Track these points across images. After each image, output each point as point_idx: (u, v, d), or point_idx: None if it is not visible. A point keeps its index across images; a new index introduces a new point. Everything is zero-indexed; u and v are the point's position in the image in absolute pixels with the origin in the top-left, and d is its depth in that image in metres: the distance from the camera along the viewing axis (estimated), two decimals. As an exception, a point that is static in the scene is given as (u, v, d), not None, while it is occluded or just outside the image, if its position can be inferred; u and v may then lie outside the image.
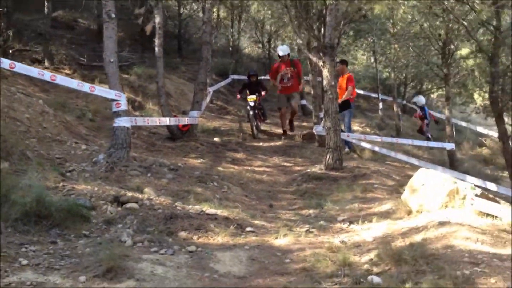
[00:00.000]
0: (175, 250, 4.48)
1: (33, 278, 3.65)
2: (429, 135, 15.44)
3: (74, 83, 6.72)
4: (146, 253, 4.30)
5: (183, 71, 16.75)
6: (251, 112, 11.89)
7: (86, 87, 6.68)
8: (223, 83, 16.28)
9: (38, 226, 4.59)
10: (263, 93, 12.47)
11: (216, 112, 14.56)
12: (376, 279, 3.79)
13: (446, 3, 10.54)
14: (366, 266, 4.18)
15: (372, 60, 20.89)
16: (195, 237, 4.92)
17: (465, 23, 10.21)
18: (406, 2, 12.13)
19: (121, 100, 6.73)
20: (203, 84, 10.20)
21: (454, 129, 13.46)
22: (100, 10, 15.88)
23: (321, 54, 8.22)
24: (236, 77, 17.16)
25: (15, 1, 13.81)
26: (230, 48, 18.43)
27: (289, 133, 12.38)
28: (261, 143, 11.21)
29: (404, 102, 18.96)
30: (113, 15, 6.59)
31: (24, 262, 3.89)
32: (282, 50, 12.31)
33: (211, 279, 4.01)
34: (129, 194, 5.52)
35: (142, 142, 8.90)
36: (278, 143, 11.55)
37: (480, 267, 3.69)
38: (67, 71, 12.43)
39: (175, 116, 9.49)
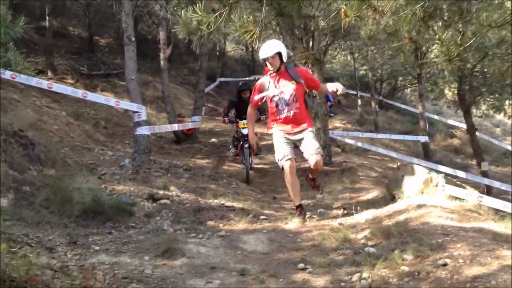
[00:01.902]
0: (209, 235, 5.56)
1: (108, 259, 4.68)
2: (331, 114, 17.26)
3: (102, 99, 7.74)
4: (188, 238, 5.38)
5: (173, 75, 17.72)
6: (245, 146, 8.77)
7: (112, 101, 7.71)
8: (212, 86, 17.36)
9: (95, 221, 5.62)
10: (262, 117, 8.84)
11: (208, 114, 15.60)
12: (372, 250, 4.93)
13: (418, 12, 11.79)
14: (362, 241, 5.34)
15: (349, 58, 22.18)
16: (221, 225, 6.01)
17: (435, 29, 11.49)
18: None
19: (142, 111, 7.76)
20: (203, 91, 11.25)
21: (427, 123, 14.80)
22: (90, 18, 16.86)
23: (309, 65, 9.33)
24: (223, 79, 18.26)
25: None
26: (217, 53, 19.46)
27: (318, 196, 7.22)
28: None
29: (381, 98, 20.25)
30: (133, 39, 7.61)
31: (97, 248, 4.93)
32: (267, 49, 6.13)
33: (243, 255, 5.11)
34: (160, 192, 6.58)
35: (152, 146, 9.91)
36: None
37: (450, 237, 4.85)
38: (70, 81, 13.35)
39: (180, 122, 10.51)
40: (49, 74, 13.42)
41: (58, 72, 13.73)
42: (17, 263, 3.58)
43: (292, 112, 6.18)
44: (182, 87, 17.26)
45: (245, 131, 8.65)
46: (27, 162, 6.30)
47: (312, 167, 6.26)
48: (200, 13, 4.56)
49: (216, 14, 4.55)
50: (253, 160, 9.56)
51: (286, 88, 6.22)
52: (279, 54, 6.15)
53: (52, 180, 6.19)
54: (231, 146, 9.70)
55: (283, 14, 5.07)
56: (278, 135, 6.26)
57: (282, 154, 6.14)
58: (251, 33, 4.45)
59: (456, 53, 3.80)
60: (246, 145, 8.73)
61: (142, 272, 4.37)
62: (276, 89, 6.26)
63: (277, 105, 6.27)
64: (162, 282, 4.22)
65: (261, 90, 6.36)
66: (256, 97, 6.39)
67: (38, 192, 5.80)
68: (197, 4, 4.59)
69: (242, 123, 8.99)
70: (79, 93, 7.37)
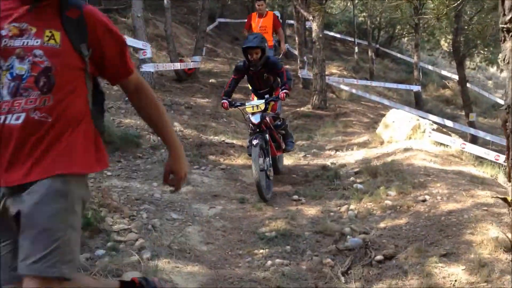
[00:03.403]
0: (211, 168, 6.03)
1: (120, 184, 5.15)
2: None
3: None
4: (192, 169, 5.84)
5: (173, 13, 17.70)
6: (253, 142, 5.29)
7: (119, 38, 7.95)
8: (211, 26, 17.41)
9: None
10: (282, 92, 5.46)
11: (207, 54, 15.77)
12: (360, 186, 5.43)
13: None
14: (351, 179, 5.82)
15: (349, 4, 22.12)
16: (221, 159, 6.47)
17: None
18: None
19: (147, 49, 8.04)
20: (204, 32, 11.44)
21: (421, 73, 15.12)
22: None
23: (311, 10, 9.57)
24: (222, 20, 18.32)
25: None
26: (217, -8, 19.36)
27: None
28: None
29: (378, 46, 20.39)
30: (141, -23, 7.79)
31: (109, 173, 5.37)
32: None
33: (242, 186, 5.60)
34: (165, 126, 6.98)
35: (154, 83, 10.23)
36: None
37: (431, 177, 5.34)
38: (72, 15, 13.44)
39: (181, 61, 10.77)
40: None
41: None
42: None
43: (22, 118, 1.81)
44: (182, 26, 17.28)
45: (255, 119, 5.49)
46: (40, 93, 6.63)
47: None
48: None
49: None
50: (282, 159, 6.43)
51: (24, 47, 1.83)
52: None
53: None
54: (248, 140, 5.71)
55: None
56: None
57: None
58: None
59: (444, 12, 4.28)
60: (256, 142, 5.29)
61: (152, 196, 4.85)
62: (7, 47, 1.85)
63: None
64: (171, 205, 4.71)
65: None
66: None
67: (51, 121, 6.17)
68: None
69: (249, 105, 5.56)
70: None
